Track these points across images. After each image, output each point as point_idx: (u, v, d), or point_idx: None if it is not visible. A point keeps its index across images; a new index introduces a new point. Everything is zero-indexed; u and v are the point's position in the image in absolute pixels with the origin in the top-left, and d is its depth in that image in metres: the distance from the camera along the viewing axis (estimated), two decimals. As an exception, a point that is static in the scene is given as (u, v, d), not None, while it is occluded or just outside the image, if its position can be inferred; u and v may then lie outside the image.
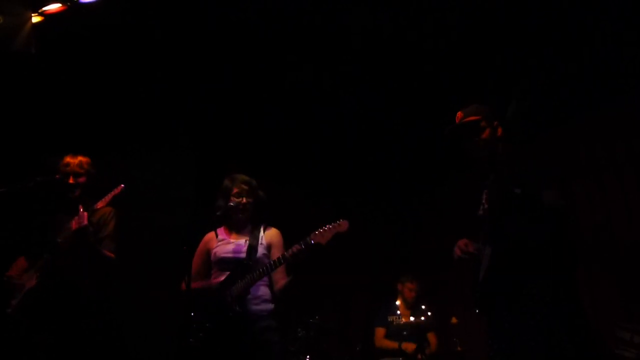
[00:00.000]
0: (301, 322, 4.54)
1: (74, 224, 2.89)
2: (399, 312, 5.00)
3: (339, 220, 2.74)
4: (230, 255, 2.98)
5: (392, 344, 4.77)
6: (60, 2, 3.53)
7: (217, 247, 3.06)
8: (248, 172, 3.29)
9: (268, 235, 3.10)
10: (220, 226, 3.17)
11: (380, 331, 4.98)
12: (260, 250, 3.00)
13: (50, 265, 2.96)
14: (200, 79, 4.48)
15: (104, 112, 4.53)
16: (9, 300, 2.96)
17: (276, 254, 2.98)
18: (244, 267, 2.89)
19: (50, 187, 3.10)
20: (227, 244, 3.05)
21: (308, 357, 4.41)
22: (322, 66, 4.39)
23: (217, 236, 3.13)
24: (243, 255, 2.96)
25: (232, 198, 3.04)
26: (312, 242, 2.69)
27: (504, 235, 2.21)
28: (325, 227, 2.73)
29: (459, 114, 2.52)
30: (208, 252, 3.10)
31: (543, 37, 3.96)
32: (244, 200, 3.06)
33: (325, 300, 5.58)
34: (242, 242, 3.03)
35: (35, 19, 3.51)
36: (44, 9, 3.52)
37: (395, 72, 4.47)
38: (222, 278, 2.93)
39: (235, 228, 3.13)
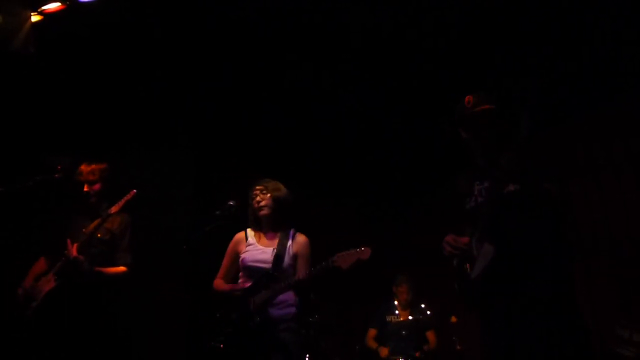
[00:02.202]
0: (301, 321, 4.55)
1: (70, 253, 2.94)
2: (397, 311, 5.02)
3: (362, 247, 2.72)
4: (257, 264, 2.99)
5: (375, 345, 4.90)
6: (59, 1, 3.51)
7: (245, 252, 3.07)
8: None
9: (296, 244, 3.08)
10: (249, 227, 3.19)
11: (371, 332, 5.05)
12: (287, 260, 2.99)
13: (67, 267, 3.00)
14: (199, 78, 4.47)
15: (103, 111, 4.52)
16: (28, 304, 2.99)
17: (302, 265, 3.00)
18: (270, 277, 2.90)
19: (49, 186, 3.11)
20: (255, 250, 3.05)
21: (307, 356, 4.42)
22: (321, 65, 4.39)
23: (246, 239, 3.14)
24: (269, 265, 2.95)
25: (251, 202, 3.11)
26: (334, 265, 2.70)
27: (504, 233, 2.17)
28: (349, 251, 2.72)
29: (470, 99, 2.38)
30: (237, 254, 3.12)
31: (542, 36, 3.97)
32: (258, 198, 3.09)
33: (324, 299, 5.58)
34: (270, 250, 3.02)
35: (34, 18, 3.49)
36: (43, 8, 3.50)
37: (395, 70, 4.47)
38: (247, 285, 2.96)
39: (263, 230, 3.14)
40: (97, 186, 3.21)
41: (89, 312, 2.98)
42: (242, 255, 3.06)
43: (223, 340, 2.85)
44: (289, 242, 3.05)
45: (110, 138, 4.43)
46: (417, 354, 4.51)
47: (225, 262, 3.17)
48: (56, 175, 3.13)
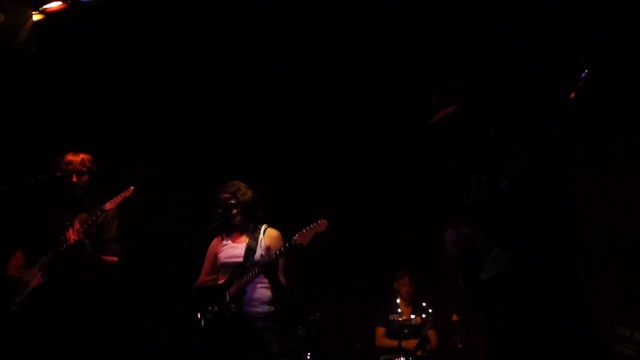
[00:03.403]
0: (302, 320, 4.56)
1: (70, 236, 2.86)
2: (399, 310, 5.02)
3: (319, 221, 2.83)
4: (231, 259, 3.08)
5: (392, 342, 4.78)
6: (60, 0, 3.52)
7: (221, 251, 3.16)
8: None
9: (268, 238, 3.16)
10: (224, 231, 3.24)
11: (380, 330, 5.00)
12: (259, 252, 3.06)
13: (54, 263, 2.94)
14: (199, 79, 4.48)
15: (104, 111, 4.53)
16: (12, 298, 2.93)
17: None
18: (242, 268, 2.98)
19: (51, 185, 3.10)
20: (230, 247, 3.14)
21: (309, 354, 4.42)
22: (322, 64, 4.38)
23: (222, 240, 3.22)
24: (241, 258, 3.04)
25: (222, 210, 3.12)
26: (294, 243, 2.80)
27: (516, 239, 2.07)
28: (307, 227, 2.83)
29: (434, 101, 2.26)
30: (215, 256, 3.19)
31: (542, 32, 3.96)
32: (232, 211, 3.12)
33: (324, 297, 5.59)
34: (243, 245, 3.11)
35: (36, 17, 3.50)
36: (45, 7, 3.51)
37: (392, 69, 4.46)
38: (224, 280, 3.04)
39: (236, 231, 3.20)
40: (85, 177, 3.13)
41: (80, 309, 2.94)
42: (219, 255, 3.15)
43: (203, 334, 2.92)
44: (261, 236, 3.14)
45: (111, 138, 4.44)
46: (420, 353, 4.50)
47: (205, 265, 3.25)
48: (58, 174, 3.11)
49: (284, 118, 5.05)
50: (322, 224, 2.82)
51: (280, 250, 2.83)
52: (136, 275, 4.10)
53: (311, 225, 2.83)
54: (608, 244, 4.22)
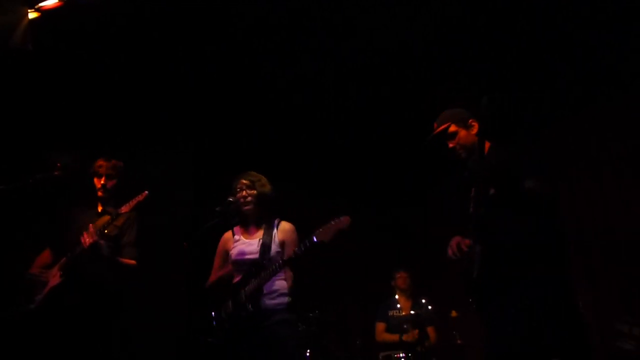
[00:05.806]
0: (302, 317, 4.56)
1: (86, 240, 2.92)
2: (399, 305, 5.04)
3: (341, 217, 2.69)
4: (244, 257, 2.99)
5: (393, 337, 4.81)
6: (56, -2, 3.50)
7: (233, 248, 3.07)
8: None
9: (281, 232, 3.07)
10: (236, 225, 3.16)
11: (380, 326, 5.02)
12: (274, 248, 2.98)
13: (72, 263, 2.99)
14: (197, 78, 4.45)
15: (102, 111, 4.50)
16: (32, 296, 2.98)
17: (289, 250, 2.95)
18: (258, 266, 2.90)
19: (49, 184, 3.10)
20: (242, 244, 3.05)
21: (308, 351, 4.43)
22: (321, 65, 4.37)
23: (233, 235, 3.13)
24: (256, 255, 2.95)
25: (235, 196, 3.07)
26: (316, 240, 2.66)
27: (489, 234, 2.24)
28: (328, 224, 2.68)
29: (435, 124, 2.61)
30: (226, 252, 3.13)
31: (540, 33, 3.96)
32: (244, 193, 3.06)
33: (324, 295, 5.59)
34: (256, 241, 3.02)
35: (32, 15, 3.48)
36: (41, 5, 3.48)
37: (390, 68, 4.45)
38: (238, 278, 2.97)
39: (248, 225, 3.13)
40: (113, 182, 3.24)
41: (96, 310, 2.97)
42: (231, 252, 3.07)
43: (219, 336, 2.86)
44: (274, 231, 3.06)
45: (109, 138, 4.41)
46: (419, 349, 4.51)
47: (216, 263, 3.19)
48: (56, 173, 3.12)
49: (282, 117, 5.03)
50: (344, 220, 2.65)
51: (302, 248, 2.72)
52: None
53: (331, 223, 2.66)
54: (607, 244, 4.24)
